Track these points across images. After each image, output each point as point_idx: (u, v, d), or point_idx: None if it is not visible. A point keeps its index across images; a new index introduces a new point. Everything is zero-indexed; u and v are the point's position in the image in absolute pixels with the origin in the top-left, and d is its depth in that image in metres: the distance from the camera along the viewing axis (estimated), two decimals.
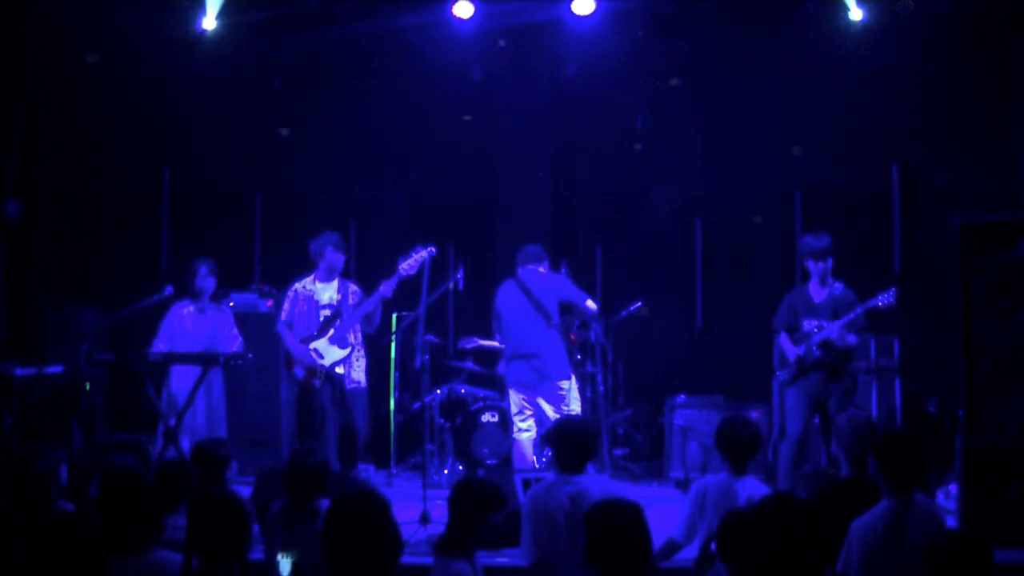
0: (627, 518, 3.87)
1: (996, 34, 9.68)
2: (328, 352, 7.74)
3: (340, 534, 3.50)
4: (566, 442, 5.22)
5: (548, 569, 5.00)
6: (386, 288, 7.63)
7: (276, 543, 5.05)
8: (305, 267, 8.16)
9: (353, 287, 8.03)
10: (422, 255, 7.57)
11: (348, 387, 7.85)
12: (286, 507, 5.15)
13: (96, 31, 9.86)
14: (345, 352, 7.76)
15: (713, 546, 4.46)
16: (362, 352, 7.98)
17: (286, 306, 7.98)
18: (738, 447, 5.20)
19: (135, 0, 9.83)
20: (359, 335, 7.95)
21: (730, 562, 4.06)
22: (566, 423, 5.46)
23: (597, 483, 5.20)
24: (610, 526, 3.83)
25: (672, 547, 5.25)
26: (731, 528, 4.11)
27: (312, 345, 7.77)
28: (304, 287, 7.91)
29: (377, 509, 3.55)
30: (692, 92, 10.51)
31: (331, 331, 7.75)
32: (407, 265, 7.58)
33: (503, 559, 5.88)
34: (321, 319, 7.83)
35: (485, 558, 6.24)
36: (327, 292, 7.87)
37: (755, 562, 3.32)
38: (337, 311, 7.84)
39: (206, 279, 8.52)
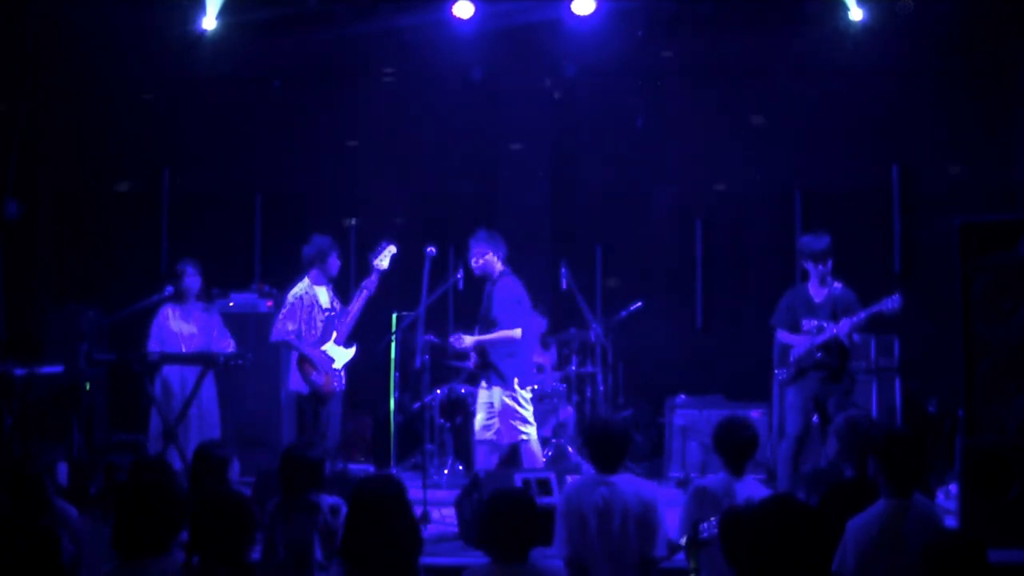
0: None
1: (996, 34, 9.68)
2: (339, 355, 7.73)
3: (361, 525, 3.52)
4: (600, 442, 5.28)
5: (580, 567, 5.05)
6: (369, 284, 7.69)
7: (276, 539, 5.05)
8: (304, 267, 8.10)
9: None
10: (389, 248, 7.68)
11: (340, 388, 7.86)
12: (283, 502, 5.14)
13: (96, 31, 9.85)
14: (351, 352, 7.77)
15: (704, 532, 4.45)
16: None
17: (288, 314, 7.68)
18: (736, 448, 5.20)
19: (135, 0, 9.83)
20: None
21: (733, 560, 4.07)
22: (600, 423, 5.54)
23: (630, 482, 5.21)
24: None
25: (672, 548, 5.24)
26: (731, 526, 4.12)
27: (322, 349, 7.75)
28: (307, 293, 7.79)
29: (403, 503, 3.58)
30: (692, 92, 10.51)
31: (335, 333, 7.74)
32: (378, 261, 7.65)
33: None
34: (323, 323, 7.79)
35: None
36: (324, 296, 7.86)
37: (755, 563, 3.32)
38: (334, 313, 7.83)
39: (180, 280, 8.46)
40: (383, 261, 7.64)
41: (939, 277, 7.94)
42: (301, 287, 7.78)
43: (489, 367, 7.68)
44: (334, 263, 7.84)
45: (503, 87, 10.57)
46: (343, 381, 7.83)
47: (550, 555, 5.45)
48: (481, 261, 7.72)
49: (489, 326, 7.65)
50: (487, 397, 7.71)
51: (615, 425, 5.44)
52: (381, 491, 3.81)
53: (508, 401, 7.61)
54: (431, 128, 10.59)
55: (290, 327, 7.67)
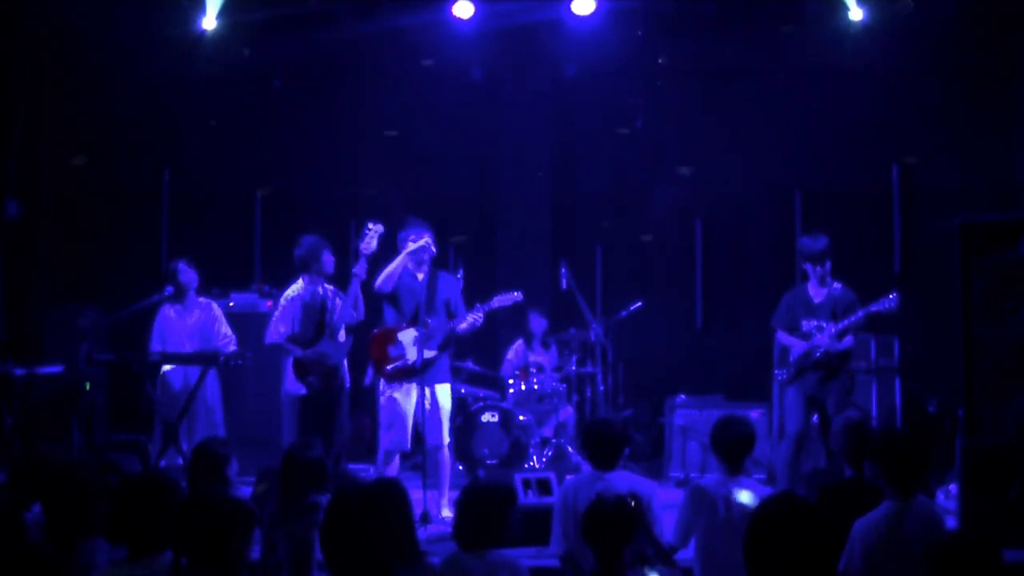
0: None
1: (997, 34, 9.68)
2: (334, 349, 7.67)
3: (337, 529, 3.53)
4: (596, 441, 5.36)
5: (574, 563, 5.08)
6: (358, 270, 7.45)
7: (276, 540, 5.05)
8: None
9: (329, 284, 7.97)
10: (375, 228, 7.30)
11: (347, 386, 7.83)
12: (283, 503, 5.13)
13: (96, 31, 9.85)
14: (347, 345, 7.69)
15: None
16: None
17: (281, 317, 7.67)
18: (733, 446, 5.20)
19: (135, 0, 9.83)
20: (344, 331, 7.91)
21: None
22: (597, 422, 5.64)
23: (624, 479, 5.26)
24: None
25: (669, 548, 5.25)
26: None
27: (318, 348, 7.73)
28: (298, 294, 7.75)
29: (373, 506, 3.58)
30: (692, 92, 10.52)
31: (327, 329, 7.72)
32: (364, 244, 7.31)
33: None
34: (316, 324, 7.79)
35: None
36: (316, 294, 7.86)
37: (755, 562, 3.32)
38: (327, 308, 7.79)
39: (175, 278, 8.42)
40: (370, 243, 7.25)
41: (939, 277, 7.94)
42: (294, 288, 7.73)
43: (437, 360, 7.35)
44: (328, 261, 7.77)
45: (503, 87, 10.57)
46: (346, 379, 7.78)
47: (548, 554, 5.47)
48: (434, 248, 7.45)
49: (450, 317, 7.38)
50: (427, 398, 7.24)
51: (612, 423, 5.50)
52: (360, 495, 3.79)
53: (448, 399, 7.44)
54: (431, 128, 10.60)
55: (281, 329, 7.65)
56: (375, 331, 7.46)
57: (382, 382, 7.38)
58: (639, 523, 4.82)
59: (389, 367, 7.28)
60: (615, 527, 4.31)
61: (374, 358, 7.41)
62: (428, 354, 7.26)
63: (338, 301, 7.81)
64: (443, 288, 7.46)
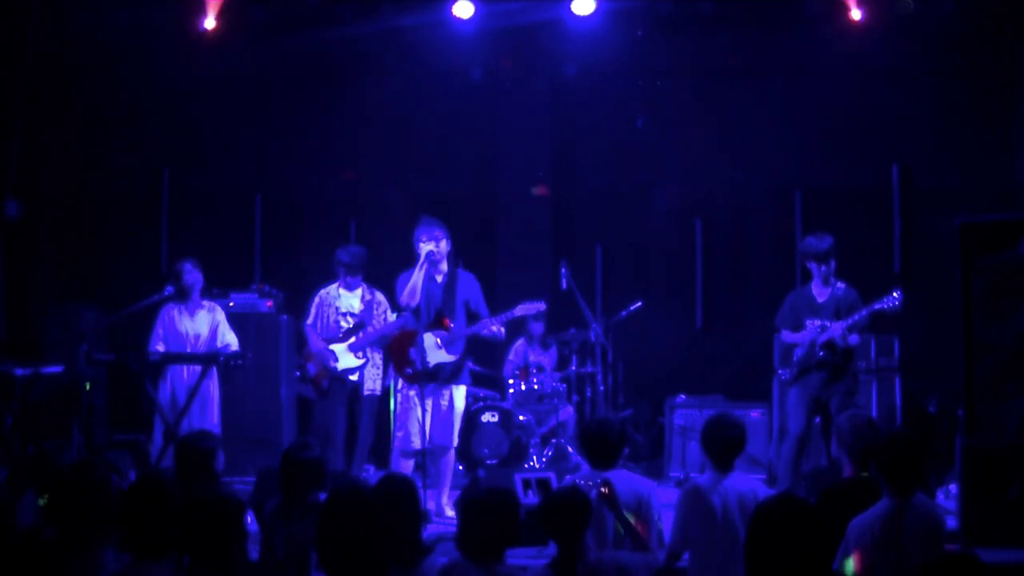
0: None
1: (996, 34, 9.69)
2: (343, 358, 7.86)
3: (332, 529, 3.54)
4: (595, 439, 5.35)
5: None
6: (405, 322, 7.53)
7: (276, 541, 5.05)
8: (304, 267, 8.20)
9: (379, 295, 8.04)
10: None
11: (364, 394, 7.97)
12: (283, 503, 5.13)
13: (96, 31, 9.85)
14: (359, 362, 7.89)
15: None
16: (379, 362, 8.11)
17: (312, 310, 8.06)
18: (723, 446, 5.20)
19: (135, 0, 9.83)
20: (376, 348, 8.03)
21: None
22: (595, 421, 5.63)
23: (625, 478, 5.24)
24: None
25: (670, 551, 5.25)
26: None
27: (331, 347, 7.88)
28: (328, 293, 8.01)
29: (368, 506, 3.58)
30: (692, 92, 10.53)
31: (352, 339, 7.85)
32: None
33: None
34: (343, 326, 7.92)
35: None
36: (348, 300, 7.96)
37: (755, 562, 3.32)
38: (361, 321, 7.91)
39: (179, 279, 8.44)
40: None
41: (939, 277, 7.95)
42: (327, 288, 8.05)
43: (462, 362, 7.42)
44: (352, 280, 7.94)
45: (503, 87, 10.58)
46: (371, 388, 8.01)
47: (548, 553, 5.47)
48: (447, 246, 7.46)
49: (471, 319, 7.38)
50: (444, 398, 7.33)
51: (610, 422, 5.49)
52: (353, 495, 3.80)
53: (463, 401, 7.50)
54: (431, 128, 10.60)
55: (308, 320, 8.04)
56: (396, 332, 7.53)
57: (401, 382, 7.43)
58: (615, 508, 4.86)
59: (409, 370, 7.27)
60: (569, 517, 4.31)
61: (395, 359, 7.47)
62: (450, 358, 7.30)
63: (378, 314, 7.85)
64: (462, 288, 7.45)
